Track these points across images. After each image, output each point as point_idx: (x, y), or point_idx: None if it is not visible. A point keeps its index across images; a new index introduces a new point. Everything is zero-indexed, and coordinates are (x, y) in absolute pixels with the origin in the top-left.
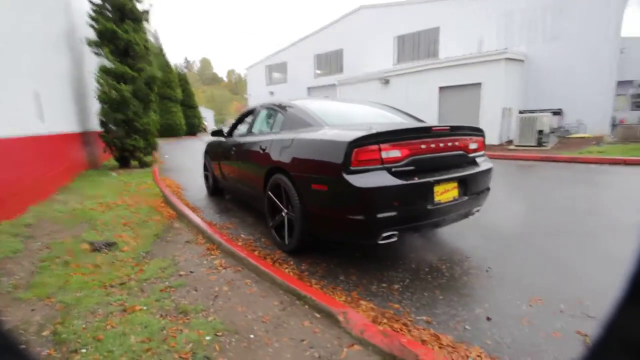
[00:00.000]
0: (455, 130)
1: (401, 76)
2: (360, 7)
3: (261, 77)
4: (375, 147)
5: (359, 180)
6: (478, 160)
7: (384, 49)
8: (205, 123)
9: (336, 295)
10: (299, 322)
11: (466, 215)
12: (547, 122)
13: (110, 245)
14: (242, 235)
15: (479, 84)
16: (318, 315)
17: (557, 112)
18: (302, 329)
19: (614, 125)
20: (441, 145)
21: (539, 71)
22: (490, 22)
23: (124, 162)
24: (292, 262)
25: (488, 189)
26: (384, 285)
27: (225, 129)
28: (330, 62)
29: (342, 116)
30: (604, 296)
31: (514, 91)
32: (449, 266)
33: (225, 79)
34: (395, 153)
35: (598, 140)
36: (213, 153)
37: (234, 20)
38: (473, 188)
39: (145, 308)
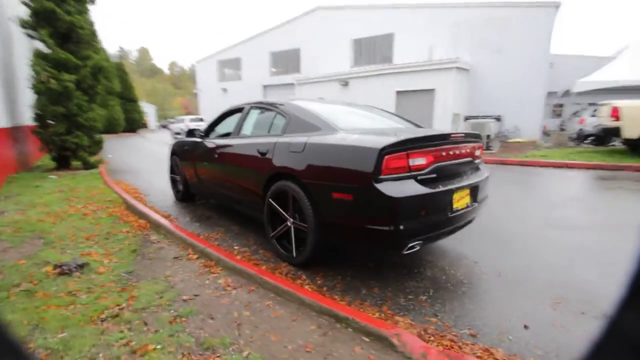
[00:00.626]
0: (465, 137)
1: (360, 79)
2: (316, 7)
3: (212, 73)
4: (403, 154)
5: (391, 189)
6: (480, 166)
7: (341, 51)
8: (147, 119)
9: (366, 311)
10: (349, 349)
11: (470, 221)
12: (493, 127)
13: (81, 266)
14: (235, 247)
15: (432, 90)
16: (367, 339)
17: (498, 119)
18: (355, 357)
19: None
20: (457, 152)
21: (482, 80)
22: (440, 32)
23: (63, 162)
24: (304, 276)
25: (487, 195)
26: (411, 297)
27: (195, 128)
28: (287, 60)
29: (350, 120)
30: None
31: (462, 98)
32: (463, 272)
33: (167, 72)
34: (421, 160)
35: (533, 145)
36: (184, 154)
37: (174, 10)
38: (481, 194)
39: (159, 347)
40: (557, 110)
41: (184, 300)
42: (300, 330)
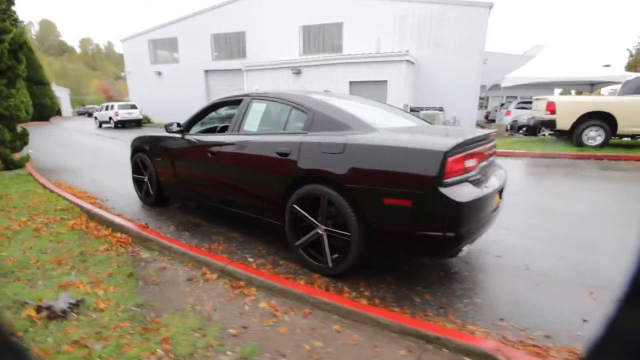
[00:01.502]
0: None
1: (313, 67)
2: None
3: (143, 53)
4: (461, 156)
5: (456, 194)
6: (496, 162)
7: (289, 38)
8: (60, 104)
9: (437, 322)
10: None
11: None
12: (441, 118)
13: (75, 305)
14: (249, 258)
15: (385, 82)
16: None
17: (440, 110)
18: None
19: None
20: (491, 151)
21: (425, 73)
22: (386, 24)
23: None
24: (346, 288)
25: None
26: (466, 301)
27: (171, 122)
28: (231, 44)
29: (377, 117)
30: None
31: (410, 90)
32: (495, 269)
33: (79, 50)
34: (472, 162)
35: None
36: (157, 152)
37: None
38: (503, 191)
39: None
40: (482, 103)
41: (234, 336)
42: (391, 358)
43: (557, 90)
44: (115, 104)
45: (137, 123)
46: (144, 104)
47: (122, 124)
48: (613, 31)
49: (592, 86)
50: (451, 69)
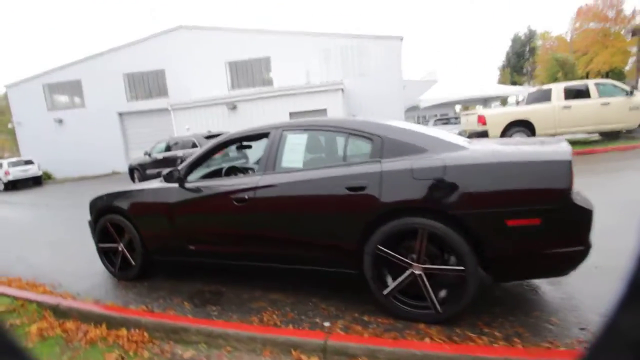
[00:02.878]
0: None
1: (250, 101)
2: (178, 26)
3: (38, 100)
4: None
5: (584, 202)
6: None
7: (216, 74)
8: None
9: None
10: None
11: None
12: None
13: None
14: (324, 323)
15: (324, 110)
16: None
17: None
18: None
19: None
20: None
21: (355, 99)
22: (312, 57)
23: None
24: (468, 332)
25: None
26: (583, 330)
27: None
28: (149, 83)
29: (443, 134)
30: None
31: (344, 116)
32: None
33: None
34: None
35: None
36: (144, 210)
37: None
38: None
39: None
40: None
41: None
42: None
43: (458, 107)
44: (4, 161)
45: (35, 181)
46: (42, 157)
47: (14, 185)
48: (487, 53)
49: (485, 101)
50: (376, 95)
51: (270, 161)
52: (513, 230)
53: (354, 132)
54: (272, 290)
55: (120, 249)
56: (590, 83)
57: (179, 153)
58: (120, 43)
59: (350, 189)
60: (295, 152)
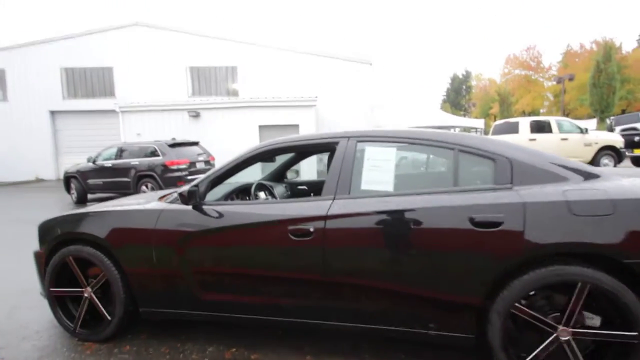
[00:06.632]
0: None
1: (215, 110)
2: (135, 23)
3: None
4: None
5: None
6: None
7: (174, 78)
8: None
9: None
10: None
11: None
12: None
13: None
14: None
15: (296, 125)
16: None
17: None
18: None
19: None
20: None
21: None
22: (283, 72)
23: None
24: None
25: None
26: None
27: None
28: (92, 80)
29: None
30: None
31: (313, 131)
32: None
33: None
34: None
35: None
36: (136, 239)
37: None
38: None
39: None
40: None
41: None
42: None
43: None
44: None
45: None
46: None
47: None
48: (428, 89)
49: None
50: (345, 115)
51: (344, 181)
52: None
53: (466, 150)
54: (328, 355)
55: (86, 295)
56: (552, 119)
57: (134, 162)
58: (61, 33)
59: (477, 223)
60: (380, 170)
